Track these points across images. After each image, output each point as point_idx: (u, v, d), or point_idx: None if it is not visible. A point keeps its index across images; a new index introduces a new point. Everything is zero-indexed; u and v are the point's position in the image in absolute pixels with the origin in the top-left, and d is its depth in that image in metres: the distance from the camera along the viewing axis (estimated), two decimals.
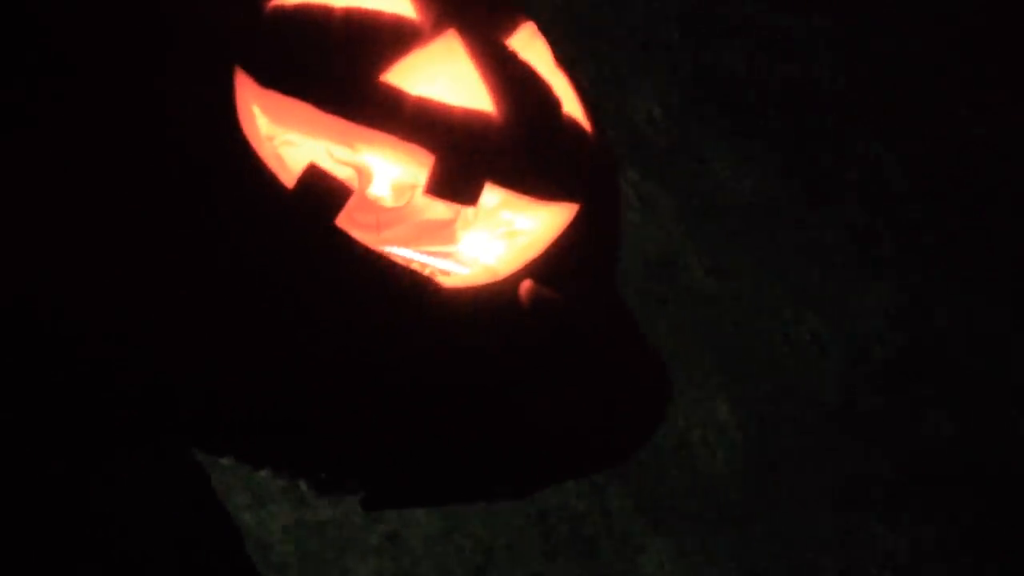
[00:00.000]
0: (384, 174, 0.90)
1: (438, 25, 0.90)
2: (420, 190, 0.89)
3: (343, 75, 0.87)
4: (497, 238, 0.95)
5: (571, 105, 0.98)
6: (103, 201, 0.84)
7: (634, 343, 0.99)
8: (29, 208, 0.83)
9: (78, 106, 0.86)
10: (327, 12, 0.89)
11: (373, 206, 0.89)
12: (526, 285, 0.90)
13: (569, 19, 2.39)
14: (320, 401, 0.87)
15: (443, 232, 0.93)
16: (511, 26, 0.96)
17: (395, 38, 0.89)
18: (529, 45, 0.97)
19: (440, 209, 0.92)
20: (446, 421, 0.90)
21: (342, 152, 0.89)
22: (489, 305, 0.89)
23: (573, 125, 0.96)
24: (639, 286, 2.26)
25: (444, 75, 0.90)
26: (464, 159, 0.87)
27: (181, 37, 0.89)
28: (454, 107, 0.88)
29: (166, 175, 0.84)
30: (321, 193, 0.85)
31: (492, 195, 0.89)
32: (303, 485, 0.97)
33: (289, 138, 0.89)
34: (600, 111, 1.03)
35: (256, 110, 0.87)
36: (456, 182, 0.87)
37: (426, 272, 0.88)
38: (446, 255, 0.94)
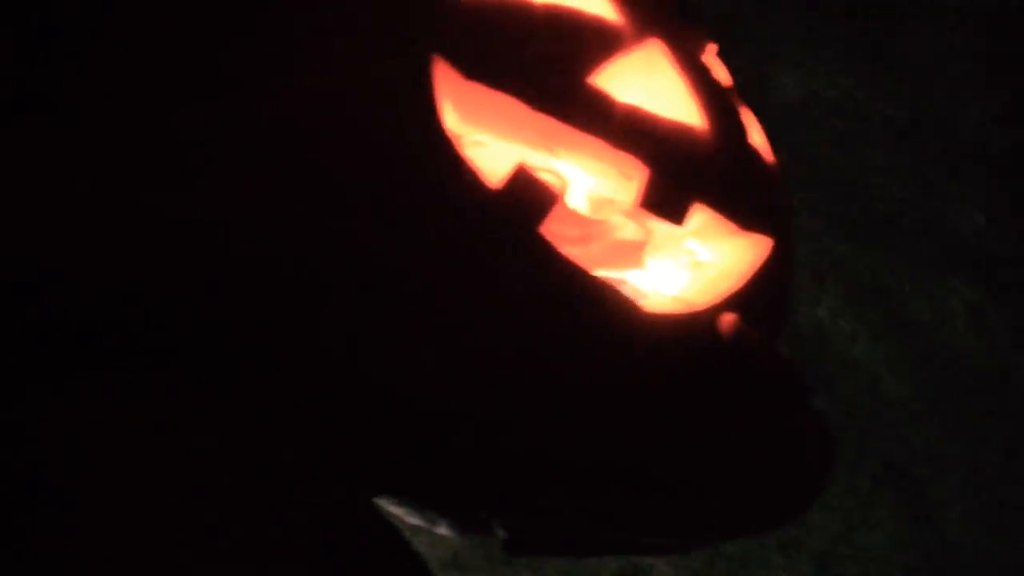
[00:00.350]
0: (580, 185, 0.83)
1: (640, 32, 0.84)
2: (618, 206, 0.82)
3: (552, 73, 0.80)
4: (681, 268, 0.88)
5: (756, 135, 0.92)
6: (282, 195, 0.76)
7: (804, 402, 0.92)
8: (203, 201, 0.74)
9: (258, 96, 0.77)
10: (527, 8, 0.83)
11: (575, 218, 0.82)
12: (729, 319, 0.83)
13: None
14: (495, 418, 0.79)
15: (632, 255, 0.86)
16: (702, 43, 0.90)
17: (598, 40, 0.83)
18: (715, 65, 0.92)
19: (632, 230, 0.85)
20: (619, 455, 0.82)
21: (539, 157, 0.81)
22: (687, 335, 0.82)
23: (761, 156, 0.90)
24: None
25: (644, 84, 0.84)
26: (677, 174, 0.81)
27: (366, 23, 0.82)
28: (664, 118, 0.82)
29: (352, 167, 0.76)
30: (528, 197, 0.78)
31: (695, 217, 0.83)
32: (441, 524, 0.88)
33: (479, 139, 0.81)
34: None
35: (448, 106, 0.80)
36: (669, 197, 0.81)
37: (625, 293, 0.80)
38: (621, 282, 0.87)
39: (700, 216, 0.83)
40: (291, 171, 0.74)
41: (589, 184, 0.84)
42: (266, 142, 0.74)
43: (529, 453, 0.79)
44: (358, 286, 0.74)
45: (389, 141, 0.77)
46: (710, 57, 0.91)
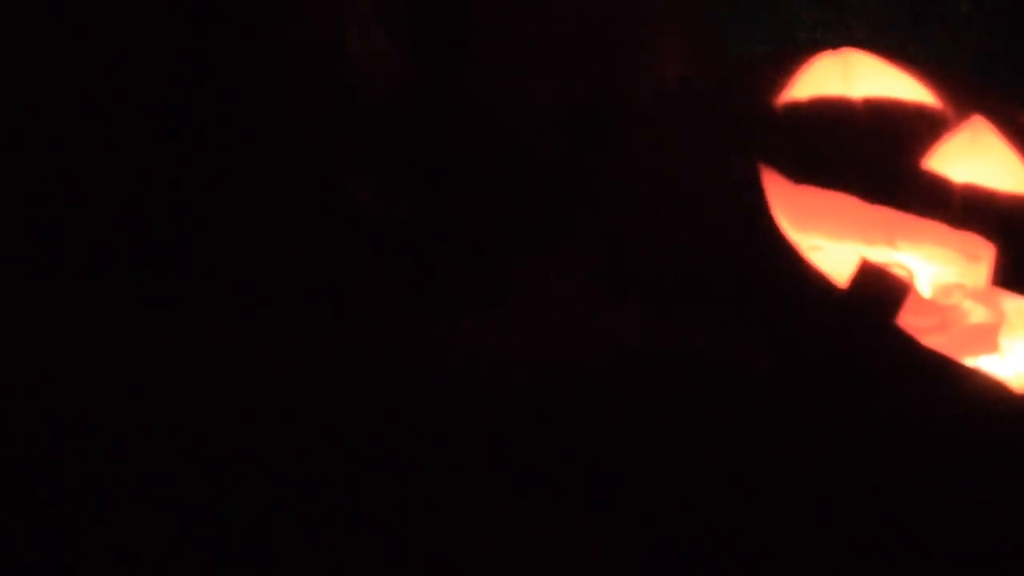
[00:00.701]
0: (924, 274, 0.81)
1: (961, 110, 0.83)
2: (967, 290, 0.80)
3: (883, 163, 0.79)
4: None
5: None
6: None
7: None
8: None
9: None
10: (847, 103, 0.83)
11: (927, 306, 0.80)
12: None
13: None
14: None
15: (987, 339, 0.83)
16: (1020, 112, 0.88)
17: (923, 125, 0.82)
18: None
19: (983, 313, 0.82)
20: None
21: (878, 252, 0.80)
22: None
23: None
24: None
25: (975, 161, 0.82)
26: None
27: (688, 141, 0.83)
28: (1003, 192, 0.80)
29: (701, 282, 0.77)
30: (879, 291, 0.76)
31: None
32: None
33: (814, 243, 0.81)
34: None
35: (780, 213, 0.80)
36: (1022, 272, 0.78)
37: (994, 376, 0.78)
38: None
39: None
40: (649, 293, 0.75)
41: (933, 272, 0.82)
42: (620, 263, 0.76)
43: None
44: (736, 394, 0.74)
45: (734, 256, 0.78)
46: None
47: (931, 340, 0.79)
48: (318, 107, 0.80)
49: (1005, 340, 0.84)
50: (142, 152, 0.78)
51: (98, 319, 0.74)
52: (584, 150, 0.88)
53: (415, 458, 0.70)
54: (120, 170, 0.77)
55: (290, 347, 0.74)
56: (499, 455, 0.69)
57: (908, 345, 0.76)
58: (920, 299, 0.80)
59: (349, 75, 0.81)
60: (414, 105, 0.84)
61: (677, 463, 0.71)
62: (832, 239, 0.81)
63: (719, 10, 2.18)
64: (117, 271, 0.77)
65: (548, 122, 0.88)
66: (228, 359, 0.73)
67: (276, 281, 0.80)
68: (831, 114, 0.82)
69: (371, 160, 0.82)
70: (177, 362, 0.72)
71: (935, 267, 0.82)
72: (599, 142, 0.88)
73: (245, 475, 0.69)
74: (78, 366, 0.69)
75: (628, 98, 0.91)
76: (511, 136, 0.87)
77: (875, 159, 0.80)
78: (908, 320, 0.79)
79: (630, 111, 0.89)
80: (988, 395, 0.77)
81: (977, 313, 0.83)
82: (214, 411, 0.70)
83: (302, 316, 0.77)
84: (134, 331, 0.73)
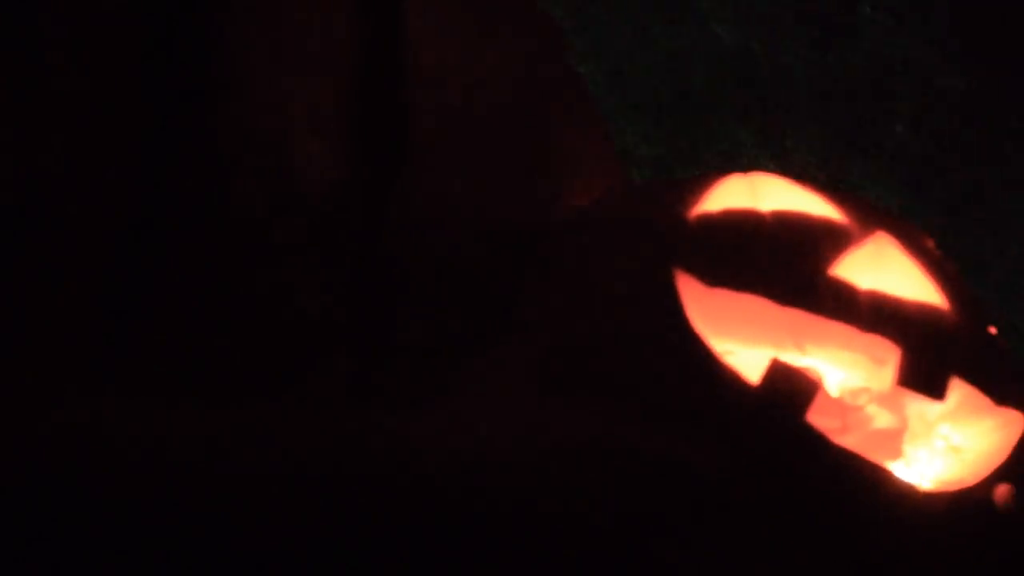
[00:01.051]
0: (833, 379, 0.84)
1: (866, 227, 0.87)
2: (873, 394, 0.83)
3: (792, 268, 0.83)
4: (937, 455, 0.87)
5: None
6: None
7: None
8: None
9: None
10: (756, 214, 0.86)
11: (834, 407, 0.82)
12: (1003, 489, 0.82)
13: None
14: None
15: (890, 445, 0.85)
16: (925, 235, 0.93)
17: (829, 238, 0.86)
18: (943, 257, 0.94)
19: (888, 418, 0.85)
20: None
21: (789, 356, 0.83)
22: (965, 510, 0.81)
23: (998, 336, 0.91)
24: None
25: (880, 272, 0.86)
26: (930, 348, 0.82)
27: (608, 244, 0.86)
28: (908, 300, 0.84)
29: (621, 380, 0.79)
30: (789, 388, 0.79)
31: (954, 392, 0.83)
32: None
33: (727, 347, 0.84)
34: None
35: (695, 316, 0.83)
36: (926, 372, 0.81)
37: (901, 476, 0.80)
38: None
39: (957, 392, 0.83)
40: (574, 389, 0.78)
41: (841, 376, 0.85)
42: (549, 366, 0.79)
43: None
44: (641, 489, 0.75)
45: (654, 356, 0.80)
46: (934, 247, 0.94)
47: (840, 441, 0.82)
48: (259, 205, 0.82)
49: (908, 447, 0.87)
50: (88, 237, 0.79)
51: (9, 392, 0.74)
52: (516, 260, 0.90)
53: (350, 553, 0.70)
54: (67, 248, 0.78)
55: (220, 437, 0.74)
56: (436, 549, 0.70)
57: (819, 441, 0.78)
58: (828, 400, 0.83)
59: (291, 176, 0.83)
60: (352, 210, 0.86)
61: (610, 552, 0.72)
62: (745, 344, 0.84)
63: (664, 137, 2.25)
64: (57, 344, 0.77)
65: (481, 233, 0.91)
66: (153, 445, 0.73)
67: (213, 370, 0.80)
68: (741, 223, 0.86)
69: (311, 261, 0.84)
70: (107, 445, 0.72)
71: (843, 371, 0.85)
72: (528, 253, 0.91)
73: (166, 569, 0.69)
74: None
75: (553, 214, 0.95)
76: (446, 243, 0.89)
77: (784, 264, 0.83)
78: (818, 420, 0.81)
79: (556, 227, 0.93)
80: (897, 494, 0.79)
81: (882, 418, 0.86)
82: (143, 499, 0.70)
83: (238, 407, 0.78)
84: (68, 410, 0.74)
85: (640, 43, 2.27)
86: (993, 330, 0.91)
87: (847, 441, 0.83)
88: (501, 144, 0.96)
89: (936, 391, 0.82)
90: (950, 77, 2.34)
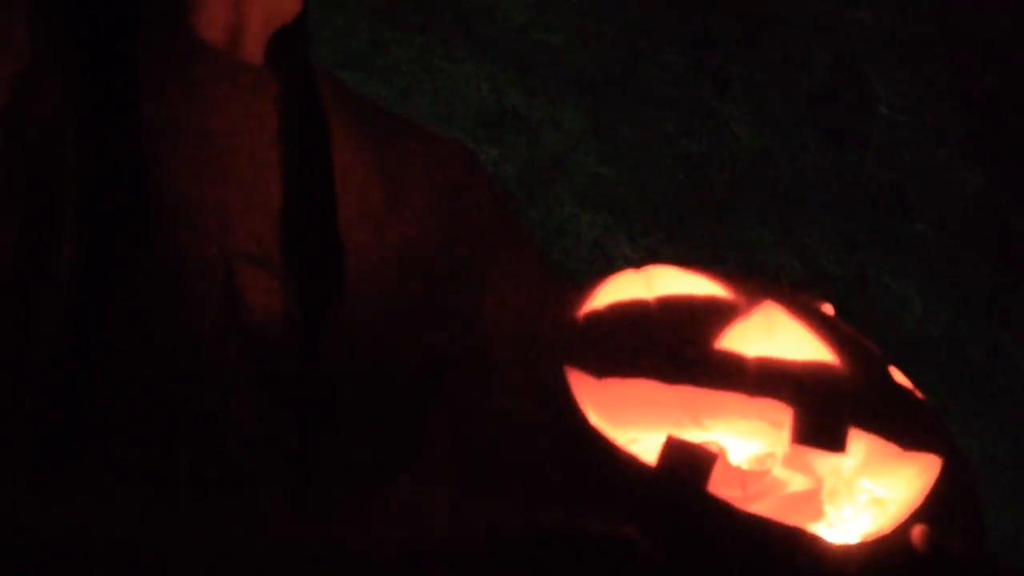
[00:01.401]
0: (737, 450, 0.86)
1: (752, 298, 0.89)
2: (780, 459, 0.84)
3: (678, 348, 0.85)
4: (861, 510, 0.88)
5: (893, 369, 0.94)
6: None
7: None
8: None
9: None
10: (641, 304, 0.89)
11: (737, 475, 0.84)
12: (919, 531, 0.82)
13: None
14: None
15: (808, 507, 0.86)
16: (815, 301, 0.95)
17: (714, 313, 0.88)
18: (836, 319, 0.95)
19: (801, 481, 0.86)
20: None
21: (689, 434, 0.84)
22: (885, 557, 0.82)
23: (904, 383, 0.92)
24: None
25: (768, 339, 0.88)
26: (823, 404, 0.83)
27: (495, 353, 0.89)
28: (796, 360, 0.85)
29: (529, 471, 0.81)
30: (688, 462, 0.80)
31: (857, 444, 0.84)
32: None
33: (630, 435, 0.85)
34: None
35: (590, 410, 0.85)
36: (822, 427, 0.83)
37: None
38: None
39: (860, 443, 0.84)
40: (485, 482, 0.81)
41: (744, 448, 0.86)
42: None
43: None
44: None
45: (558, 451, 0.82)
46: (828, 310, 0.95)
47: (751, 508, 0.82)
48: (206, 330, 0.87)
49: (829, 506, 0.87)
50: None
51: None
52: (436, 380, 0.95)
53: None
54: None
55: (166, 538, 0.78)
56: None
57: (724, 510, 0.79)
58: (731, 469, 0.84)
59: (235, 302, 0.89)
60: (292, 335, 0.92)
61: None
62: (645, 429, 0.85)
63: (687, 236, 2.26)
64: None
65: (404, 355, 0.97)
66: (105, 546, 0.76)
67: (161, 481, 0.84)
68: (627, 314, 0.88)
69: (254, 382, 0.89)
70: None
71: (745, 440, 0.86)
72: (448, 373, 0.94)
73: None
74: None
75: (473, 337, 0.98)
76: (372, 365, 0.95)
77: (669, 344, 0.85)
78: (722, 491, 0.82)
79: (474, 347, 0.96)
80: (813, 553, 0.80)
81: (796, 481, 0.87)
82: None
83: (184, 510, 0.82)
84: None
85: (660, 146, 2.31)
86: (900, 378, 0.92)
87: (759, 507, 0.84)
88: (422, 274, 1.00)
89: (835, 444, 0.83)
90: (965, 173, 2.38)
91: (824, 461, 0.84)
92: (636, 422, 0.85)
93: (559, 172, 2.30)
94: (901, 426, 0.86)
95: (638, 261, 2.33)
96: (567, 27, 2.32)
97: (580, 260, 2.28)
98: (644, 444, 0.85)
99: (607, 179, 2.33)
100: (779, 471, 0.85)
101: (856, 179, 2.27)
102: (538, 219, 2.28)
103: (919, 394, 0.93)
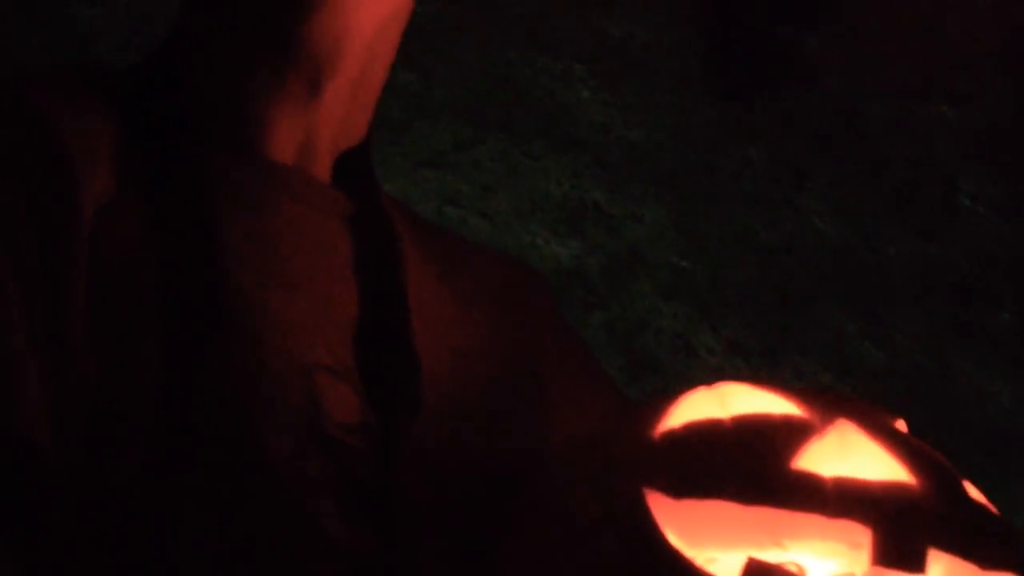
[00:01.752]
0: (816, 570, 0.86)
1: (827, 416, 0.90)
2: None
3: (755, 468, 0.86)
4: None
5: (971, 488, 0.95)
6: None
7: None
8: None
9: None
10: (717, 423, 0.90)
11: None
12: None
13: None
14: None
15: None
16: (891, 418, 0.95)
17: (790, 433, 0.89)
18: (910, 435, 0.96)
19: None
20: None
21: (769, 555, 0.85)
22: None
23: (979, 499, 0.92)
24: None
25: (844, 458, 0.89)
26: (902, 524, 0.84)
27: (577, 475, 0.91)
28: (873, 481, 0.86)
29: None
30: None
31: (936, 564, 0.84)
32: None
33: (708, 555, 0.86)
34: None
35: (670, 531, 0.86)
36: (901, 548, 0.83)
37: None
38: None
39: (940, 563, 0.84)
40: None
41: (823, 568, 0.86)
42: None
43: None
44: None
45: (629, 569, 0.83)
46: (902, 427, 0.96)
47: None
48: (287, 444, 0.89)
49: None
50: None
51: None
52: (507, 495, 0.97)
53: None
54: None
55: None
56: None
57: None
58: None
59: (318, 416, 0.91)
60: (374, 449, 0.94)
61: None
62: (725, 548, 0.86)
63: (771, 329, 2.25)
64: None
65: (478, 472, 0.99)
66: None
67: None
68: (703, 433, 0.89)
69: (336, 493, 0.91)
70: None
71: (825, 560, 0.86)
72: (521, 490, 0.96)
73: None
74: None
75: (539, 453, 1.00)
76: (449, 481, 0.97)
77: (746, 465, 0.86)
78: None
79: (543, 461, 0.98)
80: None
81: None
82: None
83: None
84: None
85: (741, 238, 2.32)
86: (975, 494, 0.92)
87: None
88: (488, 388, 1.02)
89: (915, 565, 0.83)
90: None
91: None
92: (714, 542, 0.86)
93: (641, 265, 2.31)
94: (979, 544, 0.87)
95: (721, 353, 2.32)
96: (647, 123, 2.35)
97: (664, 351, 2.29)
98: (722, 564, 0.86)
99: (688, 272, 2.34)
100: None
101: (939, 270, 2.26)
102: (620, 312, 2.29)
103: (994, 509, 0.93)
